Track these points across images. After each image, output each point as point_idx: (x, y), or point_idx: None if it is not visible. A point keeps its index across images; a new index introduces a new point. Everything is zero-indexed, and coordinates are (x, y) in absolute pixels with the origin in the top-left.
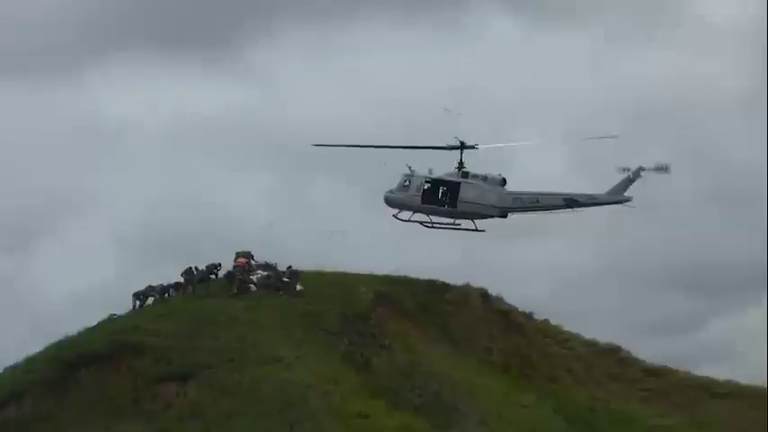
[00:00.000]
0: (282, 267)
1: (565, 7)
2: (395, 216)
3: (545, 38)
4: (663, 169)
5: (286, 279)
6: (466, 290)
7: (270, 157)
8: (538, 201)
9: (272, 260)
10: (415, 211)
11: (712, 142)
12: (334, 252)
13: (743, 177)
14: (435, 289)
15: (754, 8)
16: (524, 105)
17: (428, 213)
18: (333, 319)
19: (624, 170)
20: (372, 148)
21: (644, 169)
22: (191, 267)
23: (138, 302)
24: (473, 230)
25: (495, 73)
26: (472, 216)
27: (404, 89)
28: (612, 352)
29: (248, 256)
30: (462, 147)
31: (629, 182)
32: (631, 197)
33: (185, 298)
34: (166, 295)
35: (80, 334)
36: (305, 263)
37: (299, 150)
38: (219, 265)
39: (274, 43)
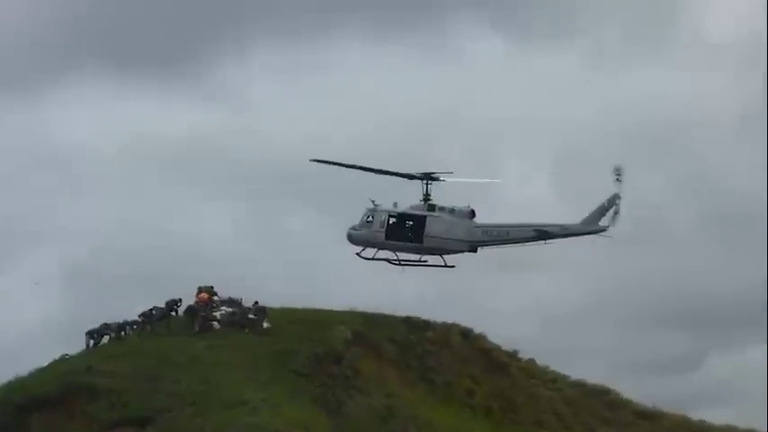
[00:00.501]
0: (248, 303)
1: (551, 25)
2: (358, 254)
3: (531, 57)
4: (618, 174)
5: (252, 316)
6: (446, 328)
7: (237, 182)
8: (508, 233)
9: (237, 295)
10: (380, 248)
11: (710, 166)
12: (305, 287)
13: (742, 204)
14: (414, 327)
15: (753, 23)
16: (509, 128)
17: (394, 250)
18: (303, 360)
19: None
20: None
21: (620, 198)
22: (151, 309)
23: (92, 341)
24: (442, 266)
25: (477, 94)
26: (440, 251)
27: (381, 109)
28: (602, 394)
29: (211, 291)
30: (428, 177)
31: (604, 210)
32: (607, 226)
33: (143, 336)
34: (123, 333)
35: (30, 375)
36: (273, 299)
37: (269, 175)
38: (180, 300)
39: (243, 61)
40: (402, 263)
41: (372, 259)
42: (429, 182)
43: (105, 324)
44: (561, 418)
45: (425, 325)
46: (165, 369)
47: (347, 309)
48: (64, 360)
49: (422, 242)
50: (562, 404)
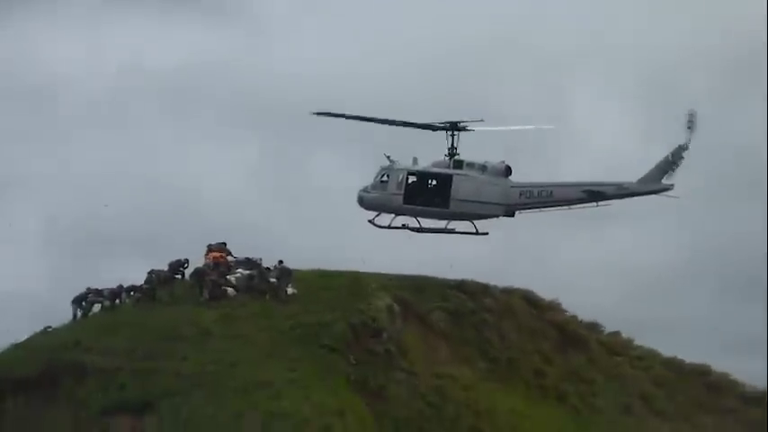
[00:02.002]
0: (269, 264)
1: None
2: (371, 222)
3: None
4: (691, 119)
5: (274, 280)
6: (510, 295)
7: (251, 122)
8: (552, 194)
9: (255, 255)
10: (398, 213)
11: None
12: (338, 246)
13: None
14: (470, 294)
15: None
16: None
17: (414, 215)
18: (337, 333)
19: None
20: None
21: (685, 148)
22: (150, 272)
23: (79, 311)
24: (473, 234)
25: (541, 15)
26: (470, 217)
27: (423, 37)
28: (701, 374)
29: (224, 250)
30: (454, 128)
31: (667, 165)
32: (672, 184)
33: (142, 305)
34: (117, 301)
35: (6, 352)
36: (299, 259)
37: (289, 113)
38: (187, 261)
39: None
40: (424, 230)
41: (389, 227)
42: (455, 132)
43: (96, 290)
44: (651, 403)
45: (484, 290)
46: (169, 344)
47: (389, 272)
48: (46, 333)
49: (448, 206)
50: (652, 386)
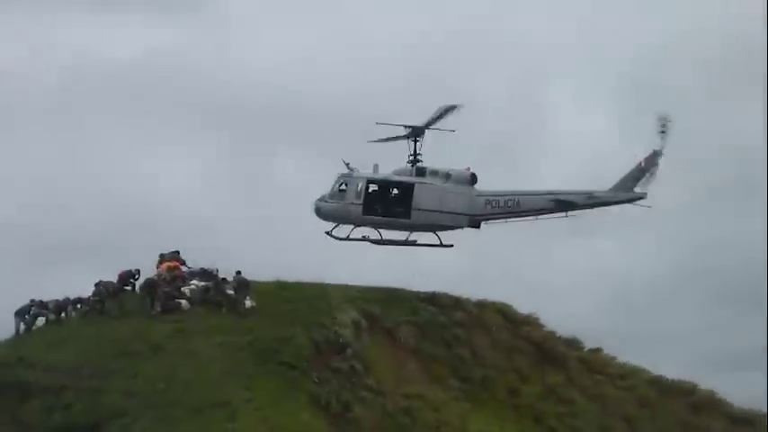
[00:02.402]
0: (226, 275)
1: None
2: (329, 234)
3: None
4: (664, 125)
5: (231, 292)
6: (483, 307)
7: (209, 119)
8: (518, 203)
9: (210, 265)
10: (357, 224)
11: None
12: (299, 255)
13: None
14: (440, 306)
15: None
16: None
17: (374, 226)
18: (298, 349)
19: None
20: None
21: (660, 154)
22: (99, 282)
23: (22, 324)
24: (437, 246)
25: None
26: (433, 228)
27: (397, 31)
28: (687, 392)
29: (178, 259)
30: (415, 132)
31: (639, 173)
32: (645, 193)
33: (89, 318)
34: (63, 315)
35: None
36: (258, 270)
37: (247, 111)
38: (138, 272)
39: None
40: (385, 242)
41: (347, 239)
42: (418, 138)
43: (40, 302)
44: (634, 425)
45: (456, 304)
46: (118, 361)
47: (355, 283)
48: None
49: (409, 216)
50: (635, 406)
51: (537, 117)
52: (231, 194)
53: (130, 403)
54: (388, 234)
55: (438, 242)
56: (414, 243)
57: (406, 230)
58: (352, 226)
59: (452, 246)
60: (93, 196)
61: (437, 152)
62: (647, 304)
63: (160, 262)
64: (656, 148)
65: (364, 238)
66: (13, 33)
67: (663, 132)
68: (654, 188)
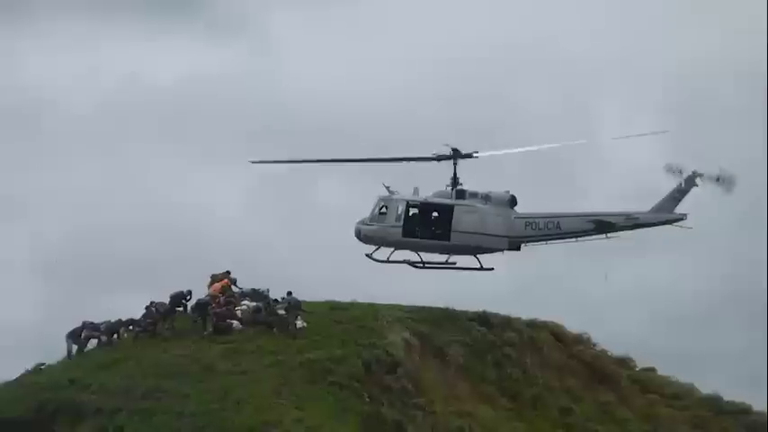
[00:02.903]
0: (277, 296)
1: None
2: (369, 256)
3: None
4: (724, 181)
5: (282, 312)
6: (534, 327)
7: (253, 143)
8: (558, 225)
9: (262, 286)
10: (397, 246)
11: None
12: (350, 276)
13: None
14: (490, 326)
15: None
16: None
17: (414, 249)
18: (349, 369)
19: (672, 171)
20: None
21: (698, 175)
22: (151, 304)
23: (74, 347)
24: (477, 269)
25: (564, 23)
26: (473, 250)
27: (440, 46)
28: (742, 412)
29: (229, 279)
30: (456, 155)
31: (679, 194)
32: (685, 215)
33: (141, 340)
34: (115, 337)
35: None
36: (309, 291)
37: (293, 133)
38: (190, 293)
39: None
40: (426, 265)
41: (387, 261)
42: (457, 160)
43: (92, 324)
44: None
45: (507, 323)
46: (170, 382)
47: (405, 304)
48: (39, 371)
49: (449, 239)
50: (688, 426)
51: (585, 132)
52: (279, 216)
53: (182, 424)
54: (427, 257)
55: (478, 265)
56: (454, 266)
57: (445, 253)
58: (392, 248)
59: (493, 269)
60: (143, 219)
61: (482, 173)
62: (700, 323)
63: (212, 283)
64: (696, 169)
65: (405, 261)
66: (58, 58)
67: (717, 180)
68: (706, 204)
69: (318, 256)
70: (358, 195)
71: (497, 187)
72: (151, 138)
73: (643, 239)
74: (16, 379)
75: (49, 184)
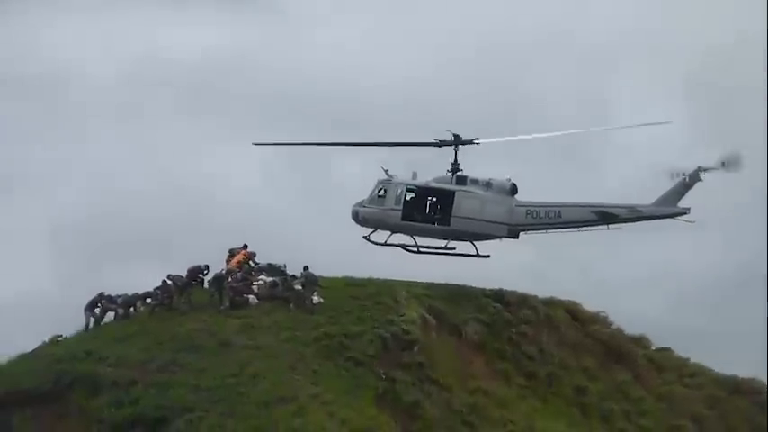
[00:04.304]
0: (294, 271)
1: None
2: (366, 238)
3: None
4: (730, 164)
5: (298, 287)
6: (550, 305)
7: (272, 118)
8: (560, 214)
9: (279, 261)
10: (395, 230)
11: None
12: (366, 252)
13: None
14: (506, 304)
15: None
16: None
17: (412, 233)
18: (365, 345)
19: (676, 175)
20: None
21: (704, 170)
22: (168, 277)
23: (92, 319)
24: (474, 256)
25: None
26: (471, 236)
27: (461, 30)
28: (756, 391)
29: (247, 254)
30: (457, 142)
31: (683, 188)
32: (688, 209)
33: (157, 314)
34: (132, 310)
35: (12, 363)
36: (325, 266)
37: (314, 108)
38: (207, 267)
39: None
40: (422, 250)
41: (384, 244)
42: (458, 146)
43: (109, 297)
44: (702, 424)
45: (523, 301)
46: (186, 356)
47: (421, 280)
48: (56, 343)
49: (448, 224)
50: (704, 406)
51: (600, 117)
52: (296, 191)
53: (198, 397)
54: (425, 242)
55: (475, 252)
56: (451, 252)
57: (444, 238)
58: (389, 232)
59: (489, 256)
60: (161, 192)
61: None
62: (715, 302)
63: (229, 257)
64: (701, 165)
65: (400, 245)
66: (79, 29)
67: (723, 165)
68: (725, 184)
69: (335, 230)
70: (375, 171)
71: (509, 174)
72: (167, 110)
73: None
74: (33, 351)
75: (66, 156)
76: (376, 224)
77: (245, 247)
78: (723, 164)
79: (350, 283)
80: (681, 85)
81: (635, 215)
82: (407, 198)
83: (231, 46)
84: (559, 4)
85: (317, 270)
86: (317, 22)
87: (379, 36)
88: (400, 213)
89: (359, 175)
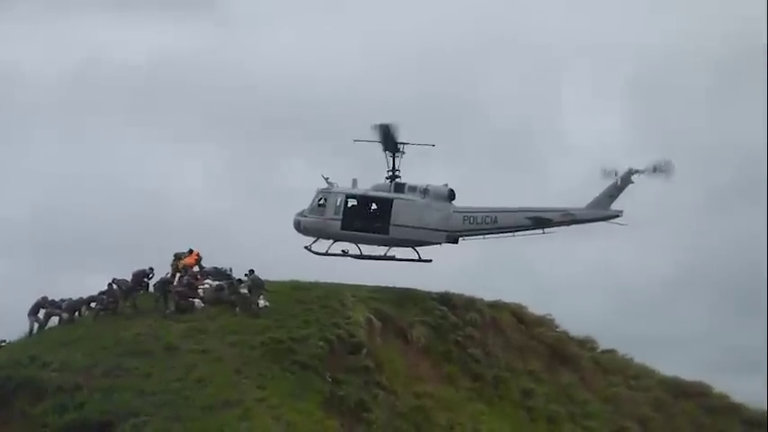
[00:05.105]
0: (239, 275)
1: None
2: (308, 248)
3: None
4: (661, 170)
5: (244, 291)
6: (497, 308)
7: (221, 121)
8: (496, 220)
9: (224, 265)
10: (336, 239)
11: None
12: (313, 256)
13: None
14: (452, 307)
15: None
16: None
17: (353, 242)
18: (311, 349)
19: (608, 174)
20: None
21: (635, 172)
22: (111, 282)
23: (35, 324)
24: (416, 261)
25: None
26: (410, 243)
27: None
28: (701, 394)
29: (197, 254)
30: (395, 149)
31: (615, 191)
32: (621, 211)
33: (103, 318)
34: (76, 314)
35: None
36: (271, 270)
37: (259, 112)
38: (152, 270)
39: None
40: (364, 257)
41: (326, 254)
42: (396, 153)
43: (52, 301)
44: (647, 426)
45: (470, 304)
46: (132, 360)
47: (367, 283)
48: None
49: (387, 232)
50: (649, 408)
51: (546, 118)
52: (242, 195)
53: (143, 402)
54: (366, 249)
55: (417, 257)
56: (392, 258)
57: (384, 245)
58: (331, 241)
59: (431, 261)
60: (105, 196)
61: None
62: (659, 305)
63: (176, 260)
64: (632, 167)
65: (344, 253)
66: (26, 32)
67: (655, 170)
68: (667, 187)
69: (281, 234)
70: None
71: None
72: (116, 113)
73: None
74: None
75: (13, 157)
76: (317, 233)
77: (191, 251)
78: (654, 169)
79: (296, 287)
80: (624, 86)
81: (569, 218)
82: (347, 206)
83: (182, 48)
84: (500, 6)
85: (263, 274)
86: (266, 23)
87: (320, 38)
88: (340, 222)
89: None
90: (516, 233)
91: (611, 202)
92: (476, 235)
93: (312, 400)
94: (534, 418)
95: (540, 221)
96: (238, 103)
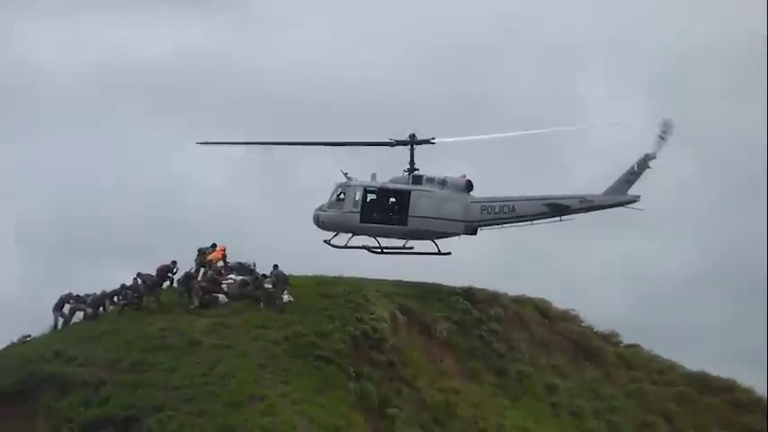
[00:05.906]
0: (263, 270)
1: None
2: (327, 242)
3: None
4: (665, 132)
5: (268, 286)
6: (520, 303)
7: (241, 117)
8: (514, 209)
9: (248, 260)
10: (355, 232)
11: None
12: (336, 251)
13: None
14: (476, 302)
15: None
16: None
17: (373, 235)
18: (335, 344)
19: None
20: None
21: (651, 157)
22: (137, 276)
23: (60, 319)
24: (435, 254)
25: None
26: (429, 235)
27: (423, 30)
28: (727, 390)
29: (225, 249)
30: (413, 142)
31: (632, 176)
32: (638, 196)
33: (126, 313)
34: (100, 309)
35: None
36: (295, 265)
37: (278, 110)
38: (175, 265)
39: None
40: (384, 251)
41: (345, 247)
42: (414, 146)
43: (77, 296)
44: (672, 422)
45: (493, 299)
46: (156, 355)
47: (391, 278)
48: (24, 343)
49: (406, 224)
50: (674, 403)
51: (566, 114)
52: (267, 189)
53: (168, 397)
54: (385, 242)
55: (436, 250)
56: (411, 251)
57: (403, 238)
58: (350, 234)
59: (450, 254)
60: (130, 192)
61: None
62: (686, 299)
63: (199, 255)
64: (648, 152)
65: (363, 247)
66: (45, 30)
67: (662, 138)
68: (692, 183)
69: (305, 229)
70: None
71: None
72: (137, 110)
73: (629, 215)
74: (2, 351)
75: (34, 156)
76: (337, 227)
77: (214, 246)
78: (661, 137)
79: (320, 282)
80: (645, 85)
81: (586, 205)
82: (366, 200)
83: (202, 46)
84: (519, 4)
85: (287, 269)
86: (287, 22)
87: (340, 36)
88: (359, 216)
89: (330, 175)
90: (534, 221)
91: (629, 187)
92: (495, 224)
93: (336, 396)
94: (558, 413)
95: (557, 208)
96: (255, 101)
